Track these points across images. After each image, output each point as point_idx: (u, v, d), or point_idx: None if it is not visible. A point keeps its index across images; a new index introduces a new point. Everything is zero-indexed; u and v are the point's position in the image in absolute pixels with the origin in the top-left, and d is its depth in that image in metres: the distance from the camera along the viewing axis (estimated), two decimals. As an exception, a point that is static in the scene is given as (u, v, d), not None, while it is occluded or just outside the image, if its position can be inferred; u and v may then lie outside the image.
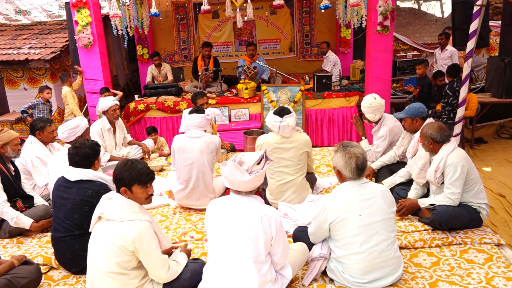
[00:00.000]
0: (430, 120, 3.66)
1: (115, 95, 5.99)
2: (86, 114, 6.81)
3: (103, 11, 6.94)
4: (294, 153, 3.57)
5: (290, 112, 3.56)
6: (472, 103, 5.61)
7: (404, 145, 3.91)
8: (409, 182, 3.65)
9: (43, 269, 2.87)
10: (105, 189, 2.77)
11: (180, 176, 3.77)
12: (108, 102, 4.81)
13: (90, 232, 2.44)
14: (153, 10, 5.61)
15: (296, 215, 3.42)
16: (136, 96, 6.85)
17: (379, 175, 4.11)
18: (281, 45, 9.28)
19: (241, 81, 6.60)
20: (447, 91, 5.51)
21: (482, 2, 4.35)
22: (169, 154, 5.26)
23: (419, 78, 6.22)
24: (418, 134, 3.52)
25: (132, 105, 6.41)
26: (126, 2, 7.11)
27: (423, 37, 9.52)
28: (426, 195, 3.43)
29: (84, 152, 2.84)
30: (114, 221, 2.30)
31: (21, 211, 3.40)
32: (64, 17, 8.15)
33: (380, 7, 5.41)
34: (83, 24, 5.72)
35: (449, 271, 2.71)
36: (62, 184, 2.82)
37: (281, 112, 3.56)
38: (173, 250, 2.67)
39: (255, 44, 7.50)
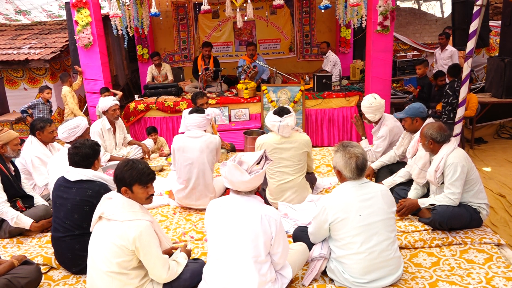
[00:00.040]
0: (430, 120, 3.66)
1: (115, 95, 5.99)
2: (86, 114, 6.81)
3: (103, 11, 6.94)
4: (294, 153, 3.57)
5: (290, 112, 3.57)
6: (472, 103, 5.61)
7: (404, 145, 3.91)
8: (409, 182, 3.65)
9: (43, 269, 2.87)
10: (105, 189, 2.77)
11: (180, 176, 3.77)
12: (108, 102, 4.82)
13: (90, 232, 2.44)
14: (153, 10, 5.61)
15: (296, 215, 3.42)
16: (136, 96, 6.85)
17: (379, 175, 4.11)
18: (281, 45, 9.28)
19: (241, 81, 6.61)
20: (447, 90, 5.51)
21: (482, 2, 4.35)
22: (169, 154, 5.26)
23: (419, 78, 6.22)
24: (418, 134, 3.52)
25: (132, 105, 6.41)
26: (126, 2, 7.11)
27: (423, 37, 9.52)
28: (426, 195, 3.43)
29: (84, 152, 2.84)
30: (115, 221, 2.30)
31: (21, 211, 3.40)
32: (64, 17, 8.15)
33: (380, 7, 5.41)
34: (83, 24, 5.72)
35: (449, 271, 2.71)
36: (62, 184, 2.82)
37: (281, 112, 3.56)
38: (173, 251, 2.67)
39: (255, 44, 7.50)
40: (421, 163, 3.35)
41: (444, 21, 9.98)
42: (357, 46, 8.83)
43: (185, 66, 8.97)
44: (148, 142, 5.36)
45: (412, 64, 7.52)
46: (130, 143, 5.25)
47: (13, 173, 3.57)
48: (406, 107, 3.78)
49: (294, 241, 2.88)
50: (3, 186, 3.32)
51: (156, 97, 6.59)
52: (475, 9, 4.41)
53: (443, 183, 3.09)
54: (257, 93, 6.47)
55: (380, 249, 2.44)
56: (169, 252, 2.62)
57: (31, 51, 7.26)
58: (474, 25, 4.45)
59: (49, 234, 3.14)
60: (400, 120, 3.92)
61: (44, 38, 7.93)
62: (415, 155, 3.51)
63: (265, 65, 6.95)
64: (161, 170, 4.85)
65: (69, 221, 2.75)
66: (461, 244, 3.00)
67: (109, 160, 4.80)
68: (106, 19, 7.18)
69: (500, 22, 7.17)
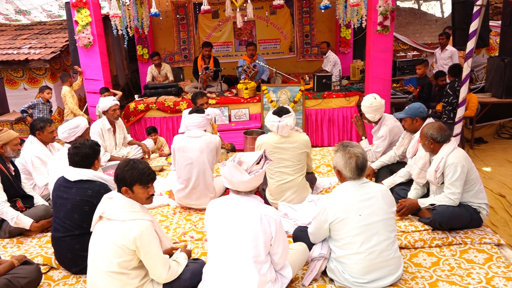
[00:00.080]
0: (430, 120, 3.66)
1: (114, 95, 5.99)
2: (86, 114, 6.81)
3: (103, 11, 6.94)
4: (294, 153, 3.57)
5: (289, 112, 3.57)
6: (472, 103, 5.61)
7: (404, 145, 3.91)
8: (409, 182, 3.65)
9: (43, 269, 2.87)
10: (105, 189, 2.77)
11: (180, 176, 3.77)
12: (108, 102, 4.82)
13: (90, 232, 2.44)
14: (153, 10, 5.61)
15: (296, 215, 3.42)
16: (136, 96, 6.85)
17: (379, 175, 4.11)
18: (281, 45, 9.28)
19: (241, 81, 6.61)
20: (448, 90, 5.51)
21: (482, 2, 4.35)
22: (169, 154, 5.26)
23: (419, 78, 6.22)
24: (418, 134, 3.52)
25: (132, 105, 6.41)
26: (126, 2, 7.11)
27: (423, 37, 9.52)
28: (426, 195, 3.43)
29: (84, 152, 2.84)
30: (115, 221, 2.30)
31: (21, 211, 3.40)
32: (64, 17, 8.15)
33: (380, 7, 5.41)
34: (83, 24, 5.72)
35: (449, 271, 2.71)
36: (62, 184, 2.82)
37: (280, 112, 3.56)
38: (173, 251, 2.67)
39: (255, 44, 7.50)
40: (421, 163, 3.35)
41: (444, 21, 9.98)
42: (357, 46, 8.83)
43: (185, 66, 8.96)
44: (148, 142, 5.36)
45: (412, 64, 7.52)
46: (130, 143, 5.25)
47: (13, 173, 3.57)
48: (406, 107, 3.78)
49: (294, 241, 2.88)
50: (3, 186, 3.32)
51: (156, 97, 6.59)
52: (475, 9, 4.41)
53: (443, 183, 3.09)
54: (257, 93, 6.47)
55: (380, 249, 2.44)
56: (169, 252, 2.62)
57: (31, 51, 7.26)
58: (474, 25, 4.45)
59: (49, 234, 3.14)
60: (400, 120, 3.92)
61: (44, 38, 7.94)
62: (415, 155, 3.51)
63: (265, 65, 6.95)
64: (161, 170, 4.86)
65: (69, 221, 2.75)
66: (461, 244, 3.00)
67: (109, 160, 4.80)
68: (106, 19, 7.18)
69: (500, 22, 7.17)
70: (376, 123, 4.21)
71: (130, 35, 7.09)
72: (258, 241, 2.27)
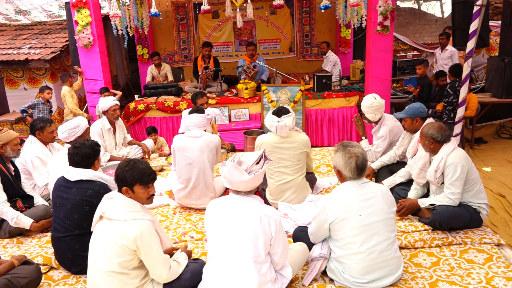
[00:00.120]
0: (430, 120, 3.66)
1: (114, 95, 5.99)
2: (86, 113, 6.80)
3: (103, 11, 6.94)
4: (293, 153, 3.57)
5: (289, 112, 3.56)
6: (472, 103, 5.61)
7: (404, 145, 3.91)
8: (409, 182, 3.65)
9: (43, 269, 2.87)
10: (105, 189, 2.77)
11: (180, 176, 3.77)
12: (108, 102, 4.81)
13: (90, 232, 2.44)
14: (153, 10, 5.61)
15: (296, 215, 3.42)
16: (136, 96, 6.85)
17: (379, 175, 4.11)
18: (281, 45, 9.28)
19: (241, 81, 6.61)
20: (448, 90, 5.51)
21: (482, 2, 4.35)
22: (169, 154, 5.26)
23: (419, 78, 6.22)
24: (418, 134, 3.52)
25: (132, 105, 6.41)
26: (126, 2, 7.11)
27: (423, 37, 9.52)
28: (426, 195, 3.43)
29: (84, 152, 2.84)
30: (116, 221, 2.30)
31: (21, 211, 3.40)
32: (64, 17, 8.15)
33: (380, 7, 5.41)
34: (83, 24, 5.72)
35: (449, 271, 2.71)
36: (62, 184, 2.82)
37: (279, 112, 3.56)
38: (174, 251, 2.67)
39: (255, 44, 7.50)
40: (421, 163, 3.35)
41: (444, 21, 9.98)
42: (357, 46, 8.83)
43: (185, 66, 8.96)
44: (148, 142, 5.36)
45: (412, 64, 7.52)
46: (130, 143, 5.25)
47: (13, 173, 3.57)
48: (406, 107, 3.78)
49: (294, 241, 2.88)
50: (3, 186, 3.32)
51: (156, 97, 6.59)
52: (475, 9, 4.41)
53: (443, 183, 3.09)
54: (257, 93, 6.47)
55: (380, 249, 2.44)
56: (170, 252, 2.62)
57: (31, 51, 7.26)
58: (474, 25, 4.45)
59: (49, 234, 3.14)
60: (400, 120, 3.92)
61: (44, 38, 7.94)
62: (415, 155, 3.51)
63: (265, 65, 6.95)
64: (161, 170, 4.86)
65: (69, 221, 2.75)
66: (461, 244, 3.00)
67: (109, 160, 4.80)
68: (106, 19, 7.18)
69: (500, 22, 7.17)
70: (376, 123, 4.21)
71: (130, 35, 7.09)
72: (258, 241, 2.27)
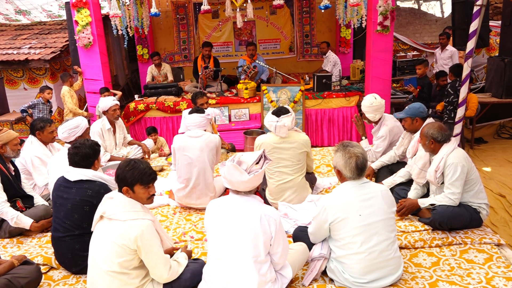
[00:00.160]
0: (430, 120, 3.66)
1: (114, 95, 5.99)
2: (85, 112, 6.81)
3: (103, 11, 6.94)
4: (293, 153, 3.57)
5: (288, 112, 3.56)
6: (472, 103, 5.61)
7: (404, 145, 3.91)
8: (409, 182, 3.65)
9: (43, 269, 2.87)
10: (105, 189, 2.77)
11: (180, 175, 3.77)
12: (108, 102, 4.82)
13: (90, 232, 2.44)
14: (153, 10, 5.61)
15: (296, 215, 3.42)
16: (136, 96, 6.85)
17: (379, 175, 4.11)
18: (281, 45, 9.28)
19: (241, 81, 6.61)
20: (449, 89, 5.52)
21: (482, 2, 4.35)
22: (169, 154, 5.26)
23: (419, 78, 6.23)
24: (418, 134, 3.52)
25: (132, 105, 6.41)
26: (126, 2, 7.11)
27: (423, 37, 9.52)
28: (426, 195, 3.43)
29: (84, 152, 2.84)
30: (116, 220, 2.30)
31: (21, 211, 3.40)
32: (64, 17, 8.15)
33: (380, 7, 5.41)
34: (83, 24, 5.72)
35: (449, 271, 2.71)
36: (62, 184, 2.82)
37: (279, 112, 3.56)
38: (174, 251, 2.67)
39: (255, 44, 7.50)
40: (421, 163, 3.35)
41: (444, 21, 9.98)
42: (357, 46, 8.83)
43: (185, 66, 8.96)
44: (148, 142, 5.36)
45: (412, 64, 7.52)
46: (130, 143, 5.25)
47: (13, 173, 3.57)
48: (406, 107, 3.78)
49: (294, 241, 2.88)
50: (3, 186, 3.32)
51: (156, 97, 6.59)
52: (475, 9, 4.41)
53: (443, 183, 3.09)
54: (257, 93, 6.47)
55: (380, 249, 2.44)
56: (170, 252, 2.62)
57: (31, 51, 7.26)
58: (474, 25, 4.45)
59: (49, 234, 3.14)
60: (400, 120, 3.92)
61: (44, 38, 7.94)
62: (415, 155, 3.51)
63: (265, 65, 6.95)
64: (161, 170, 4.85)
65: (69, 221, 2.75)
66: (461, 244, 3.00)
67: (109, 160, 4.80)
68: (106, 19, 7.18)
69: (500, 22, 7.17)
70: (376, 123, 4.21)
71: (130, 35, 7.09)
72: (258, 241, 2.27)
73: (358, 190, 2.51)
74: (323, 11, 5.57)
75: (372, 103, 4.04)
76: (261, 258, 2.29)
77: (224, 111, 6.30)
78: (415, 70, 6.36)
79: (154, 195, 2.47)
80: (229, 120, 6.34)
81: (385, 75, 5.78)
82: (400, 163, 4.01)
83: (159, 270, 2.34)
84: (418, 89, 6.15)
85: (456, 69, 5.71)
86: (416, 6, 10.74)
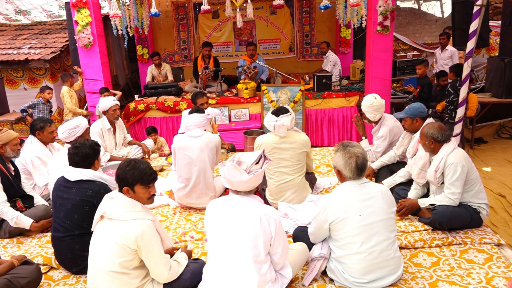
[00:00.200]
0: (430, 120, 3.66)
1: (114, 95, 5.99)
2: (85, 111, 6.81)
3: (103, 11, 6.94)
4: (293, 153, 3.57)
5: (288, 112, 3.56)
6: (472, 103, 5.61)
7: (404, 145, 3.91)
8: (409, 182, 3.65)
9: (43, 269, 2.87)
10: (105, 189, 2.78)
11: (180, 175, 3.77)
12: (108, 102, 4.82)
13: (90, 232, 2.44)
14: (153, 10, 5.61)
15: (296, 215, 3.42)
16: (136, 96, 6.85)
17: (379, 175, 4.11)
18: (281, 45, 9.28)
19: (241, 81, 6.61)
20: (449, 89, 5.52)
21: (482, 2, 4.35)
22: (169, 154, 5.26)
23: (419, 78, 6.23)
24: (418, 134, 3.52)
25: (132, 105, 6.41)
26: (126, 2, 7.11)
27: (423, 37, 9.51)
28: (426, 195, 3.43)
29: (84, 152, 2.84)
30: (117, 220, 2.30)
31: (21, 211, 3.40)
32: (64, 17, 8.15)
33: (380, 7, 5.41)
34: (83, 24, 5.72)
35: (449, 271, 2.71)
36: (62, 184, 2.82)
37: (278, 112, 3.56)
38: (174, 251, 2.67)
39: (255, 44, 7.50)
40: (421, 163, 3.35)
41: (444, 21, 9.98)
42: (357, 46, 8.83)
43: (185, 66, 8.96)
44: (148, 142, 5.36)
45: (412, 64, 7.52)
46: (130, 143, 5.25)
47: (13, 173, 3.57)
48: (406, 107, 3.78)
49: (294, 241, 2.88)
50: (3, 186, 3.32)
51: (156, 97, 6.59)
52: (475, 9, 4.41)
53: (443, 183, 3.09)
54: (257, 93, 6.47)
55: (380, 249, 2.44)
56: (170, 252, 2.62)
57: (31, 51, 7.26)
58: (474, 25, 4.45)
59: (49, 234, 3.14)
60: (400, 120, 3.92)
61: (44, 38, 7.94)
62: (415, 155, 3.51)
63: (265, 65, 6.95)
64: (161, 170, 4.85)
65: (69, 221, 2.75)
66: (461, 244, 3.00)
67: (109, 160, 4.80)
68: (106, 19, 7.18)
69: (500, 22, 7.17)
70: (376, 123, 4.21)
71: (130, 35, 7.09)
72: (257, 241, 2.27)
73: (358, 190, 2.51)
74: (323, 11, 5.57)
75: (372, 103, 4.04)
76: (261, 258, 2.29)
77: (224, 111, 6.30)
78: (415, 70, 6.36)
79: (154, 195, 2.47)
80: (229, 120, 6.34)
81: (385, 75, 5.78)
82: (400, 163, 4.01)
83: (159, 270, 2.34)
84: (418, 89, 6.15)
85: (457, 68, 5.71)
86: (416, 6, 10.74)
